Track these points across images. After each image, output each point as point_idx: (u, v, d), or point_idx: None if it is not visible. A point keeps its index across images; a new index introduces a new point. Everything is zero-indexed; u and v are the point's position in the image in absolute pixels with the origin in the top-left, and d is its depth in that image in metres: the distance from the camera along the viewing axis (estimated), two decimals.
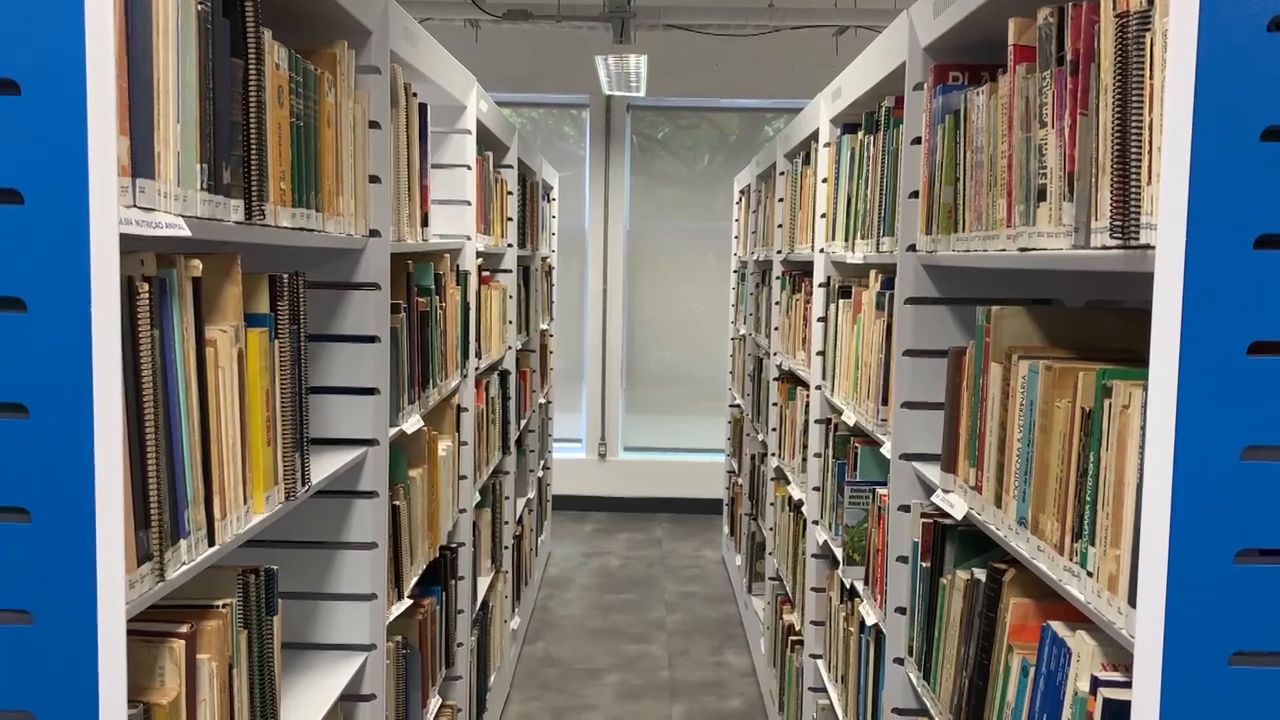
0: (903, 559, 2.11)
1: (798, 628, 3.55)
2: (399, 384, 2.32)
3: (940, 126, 1.91)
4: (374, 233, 2.06)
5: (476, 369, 3.35)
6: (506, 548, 4.23)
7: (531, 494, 5.16)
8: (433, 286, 2.66)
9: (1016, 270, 2.06)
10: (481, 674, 3.63)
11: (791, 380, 3.92)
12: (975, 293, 2.05)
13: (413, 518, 2.52)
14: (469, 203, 3.09)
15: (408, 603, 2.43)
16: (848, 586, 2.69)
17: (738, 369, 5.96)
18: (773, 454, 4.20)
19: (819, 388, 3.14)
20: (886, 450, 2.21)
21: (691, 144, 7.39)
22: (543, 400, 5.70)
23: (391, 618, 2.28)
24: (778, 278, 4.16)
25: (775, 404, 4.18)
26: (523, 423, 4.82)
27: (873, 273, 2.48)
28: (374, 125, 2.04)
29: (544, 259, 5.72)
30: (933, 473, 1.98)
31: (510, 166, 4.11)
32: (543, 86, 7.14)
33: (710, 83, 7.07)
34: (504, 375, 4.07)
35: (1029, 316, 1.62)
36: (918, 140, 2.06)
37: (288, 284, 1.58)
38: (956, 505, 1.74)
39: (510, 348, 4.18)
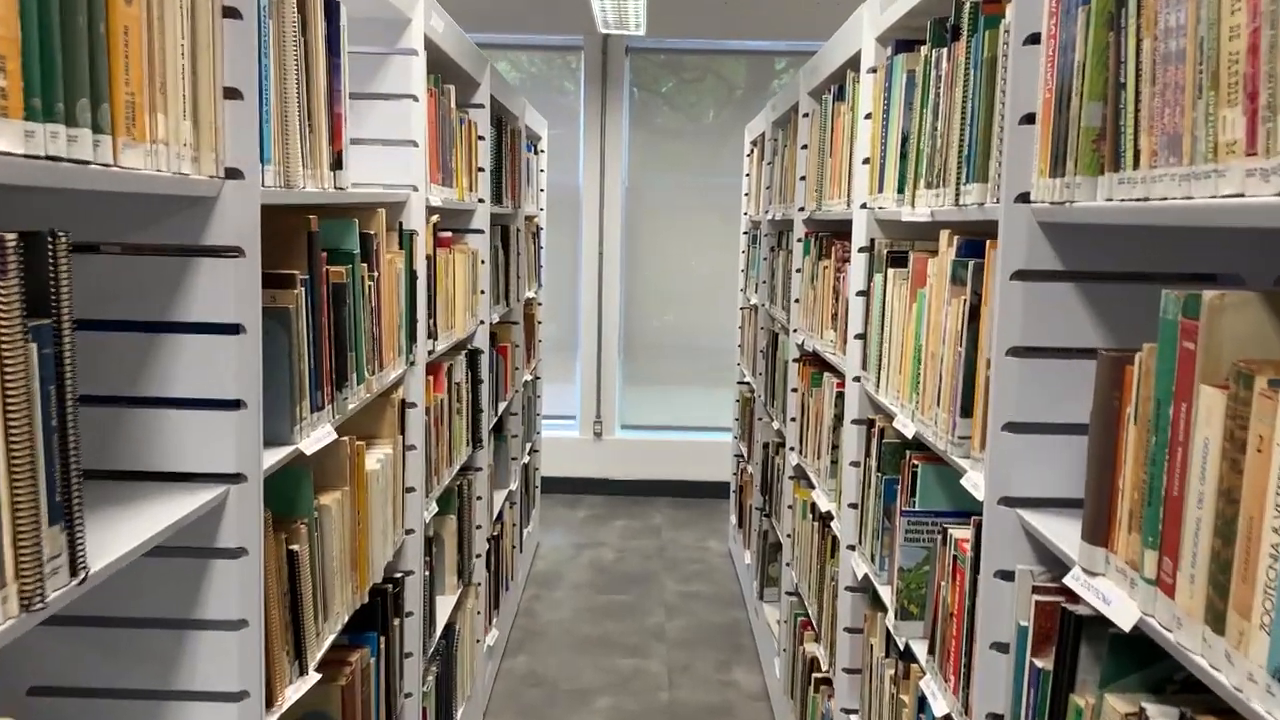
0: (1000, 646, 1.48)
1: (824, 665, 2.93)
2: (293, 387, 1.68)
3: (1081, 10, 1.25)
4: (233, 173, 1.40)
5: (431, 352, 2.70)
6: (478, 556, 3.61)
7: (514, 485, 4.53)
8: (356, 250, 2.01)
9: (1169, 229, 1.41)
10: (444, 715, 3.02)
11: (817, 363, 3.27)
12: (1117, 264, 1.39)
13: (324, 562, 1.89)
14: (414, 143, 2.42)
15: (315, 678, 1.80)
16: (900, 645, 2.06)
17: (748, 343, 5.31)
18: (791, 448, 3.57)
19: (857, 379, 2.49)
20: (971, 484, 1.57)
21: (695, 99, 6.67)
22: (528, 377, 5.06)
23: (283, 708, 1.65)
24: (799, 240, 3.50)
25: (795, 390, 3.53)
26: (502, 406, 4.18)
27: (944, 234, 1.82)
28: (231, 13, 1.38)
29: (529, 218, 5.06)
30: (1058, 532, 1.34)
31: (481, 106, 3.44)
32: (531, 26, 6.43)
33: (716, 22, 6.36)
34: (473, 355, 3.42)
35: (1267, 307, 0.97)
36: (1035, 38, 1.39)
37: (12, 249, 0.93)
38: (1118, 605, 1.10)
39: (482, 322, 3.53)
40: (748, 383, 5.31)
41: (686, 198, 6.69)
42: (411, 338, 2.46)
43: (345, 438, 2.00)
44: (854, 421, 2.49)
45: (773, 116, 4.37)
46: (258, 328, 1.44)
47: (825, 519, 2.95)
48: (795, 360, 3.53)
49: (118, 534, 1.24)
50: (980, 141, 1.61)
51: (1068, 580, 1.21)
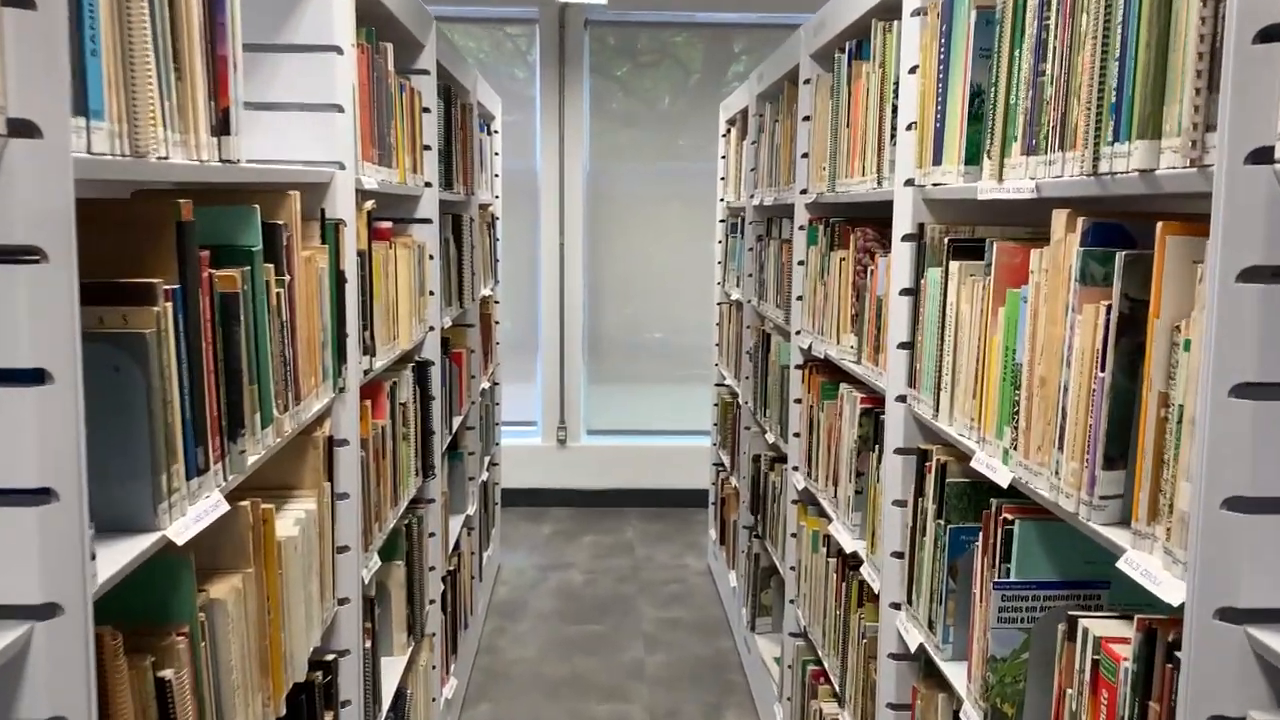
0: None
1: None
2: (156, 448, 1.15)
3: None
4: (22, 128, 0.88)
5: (368, 372, 2.18)
6: (433, 601, 3.09)
7: (472, 508, 4.01)
8: (257, 247, 1.48)
9: None
10: None
11: (829, 371, 2.79)
12: None
13: (218, 680, 1.36)
14: (339, 108, 1.90)
15: None
16: None
17: (728, 342, 4.82)
18: (794, 467, 3.08)
19: (903, 399, 2.01)
20: (1141, 573, 1.09)
21: (651, 84, 6.14)
22: (486, 385, 4.53)
23: None
24: (801, 228, 3.01)
25: (799, 401, 3.05)
26: (457, 421, 3.66)
27: (1061, 215, 1.34)
28: None
29: (484, 207, 4.53)
30: None
31: (425, 72, 2.90)
32: None
33: None
34: (422, 369, 2.90)
35: None
36: None
37: None
38: None
39: (432, 328, 3.01)
40: (728, 385, 4.83)
41: (649, 185, 6.18)
42: (340, 357, 1.94)
43: (246, 502, 1.47)
44: (899, 451, 2.00)
45: (757, 89, 3.88)
46: (73, 371, 0.92)
47: (849, 561, 2.47)
48: (799, 367, 3.04)
49: None
50: (1146, 80, 1.12)
51: None
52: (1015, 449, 1.47)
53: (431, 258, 2.96)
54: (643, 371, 6.34)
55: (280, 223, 1.61)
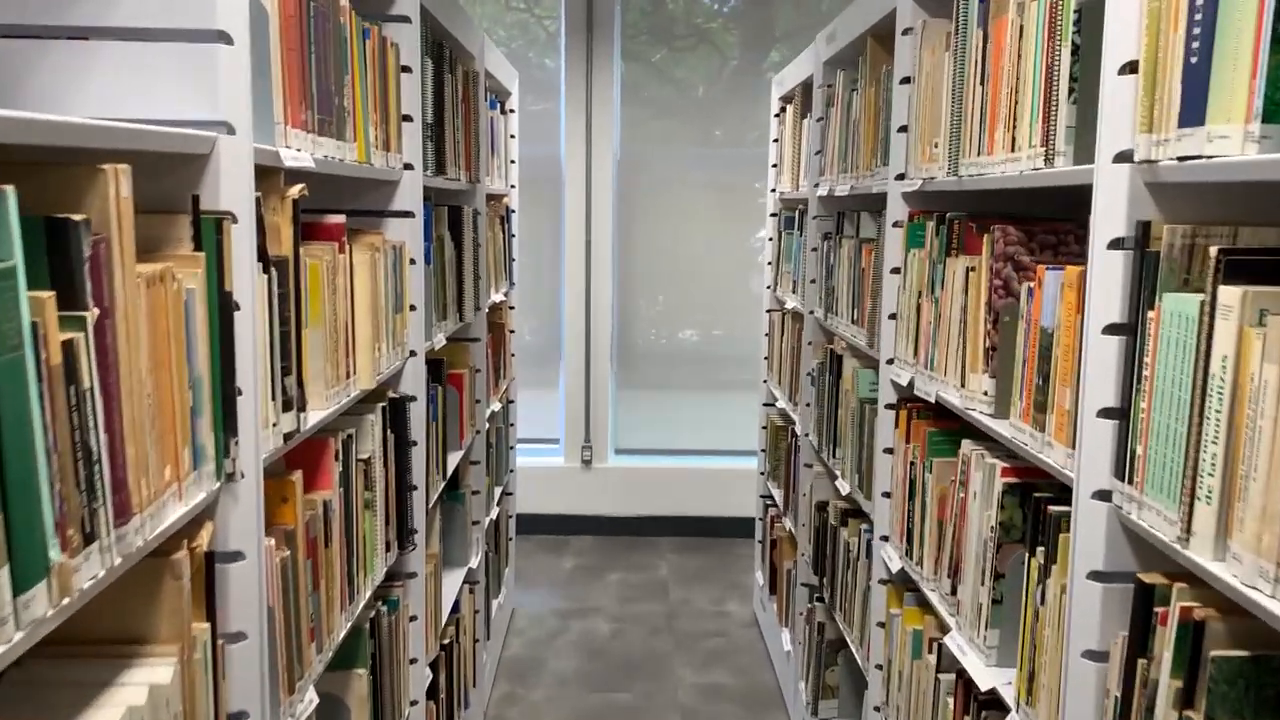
0: None
1: None
2: None
3: None
4: None
5: (291, 435, 1.49)
6: (414, 702, 2.41)
7: (475, 560, 3.32)
8: (14, 262, 0.79)
9: None
10: None
11: (937, 415, 2.08)
12: None
13: None
14: (224, 37, 1.20)
15: None
16: None
17: (780, 356, 4.11)
18: (882, 537, 2.37)
19: (1105, 497, 1.29)
20: None
21: (685, 73, 5.43)
22: (497, 406, 3.84)
23: None
24: (897, 224, 2.29)
25: (889, 450, 2.34)
26: (455, 458, 2.97)
27: None
28: None
29: (495, 197, 3.84)
30: None
31: (405, 20, 2.21)
32: None
33: None
34: (396, 408, 2.21)
35: None
36: None
37: None
38: None
39: (413, 353, 2.32)
40: (780, 407, 4.12)
41: (685, 174, 5.47)
42: (228, 427, 1.25)
43: None
44: (1098, 577, 1.29)
45: (826, 53, 3.16)
46: None
47: (978, 692, 1.76)
48: (890, 406, 2.33)
49: None
50: None
51: None
52: None
53: (412, 261, 2.27)
54: (677, 379, 5.62)
55: (78, 218, 0.92)
